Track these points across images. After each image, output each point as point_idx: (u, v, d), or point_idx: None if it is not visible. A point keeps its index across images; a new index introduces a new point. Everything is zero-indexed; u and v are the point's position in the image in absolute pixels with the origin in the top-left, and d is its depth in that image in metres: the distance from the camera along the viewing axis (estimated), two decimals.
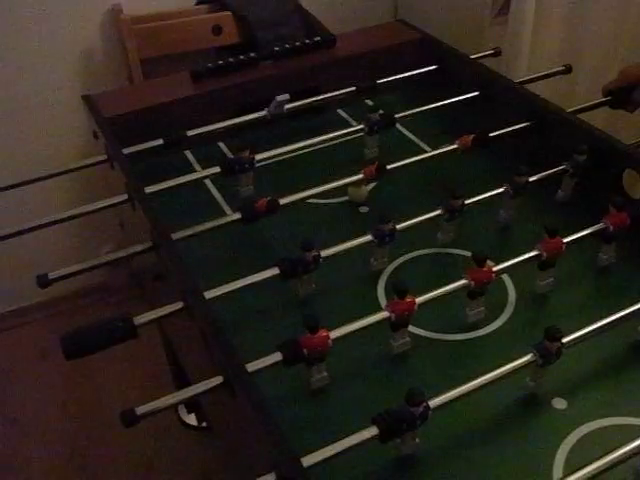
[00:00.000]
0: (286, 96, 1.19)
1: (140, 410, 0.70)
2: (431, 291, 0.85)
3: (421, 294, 0.84)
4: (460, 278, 0.86)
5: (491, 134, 1.14)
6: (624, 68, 1.26)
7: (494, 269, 0.87)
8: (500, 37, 1.72)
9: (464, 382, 0.74)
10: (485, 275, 0.86)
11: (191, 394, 0.74)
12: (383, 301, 0.94)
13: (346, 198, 1.13)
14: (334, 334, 0.79)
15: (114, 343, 0.80)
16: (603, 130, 1.09)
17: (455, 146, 1.12)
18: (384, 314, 0.82)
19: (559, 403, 0.79)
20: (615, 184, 1.04)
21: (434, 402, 0.71)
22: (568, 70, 1.36)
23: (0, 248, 1.01)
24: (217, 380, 0.73)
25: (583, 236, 0.93)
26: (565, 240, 0.91)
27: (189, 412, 1.76)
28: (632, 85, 1.21)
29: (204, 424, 1.75)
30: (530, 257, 0.90)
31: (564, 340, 0.77)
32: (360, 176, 1.07)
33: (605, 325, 0.80)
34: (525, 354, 0.76)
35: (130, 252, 0.94)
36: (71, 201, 1.44)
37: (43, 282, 0.91)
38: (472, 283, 0.86)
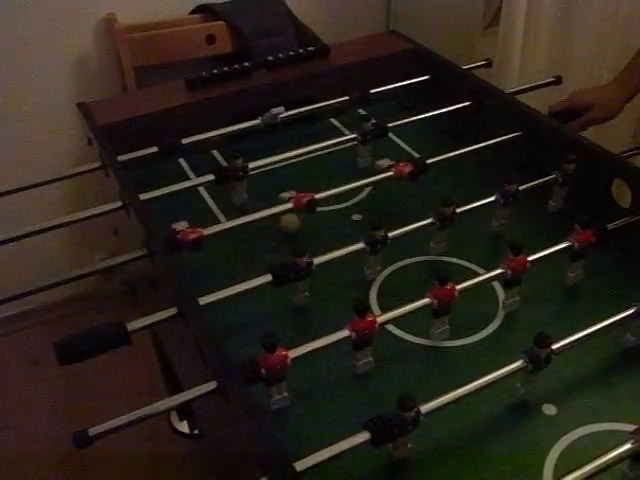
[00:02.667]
0: (281, 109, 1.20)
1: (93, 431, 0.69)
2: (394, 310, 0.85)
3: (384, 312, 0.85)
4: (423, 297, 0.86)
5: (482, 144, 1.16)
6: (573, 93, 1.28)
7: (457, 287, 0.86)
8: (491, 48, 1.74)
9: (455, 388, 0.74)
10: (448, 294, 0.86)
11: (184, 399, 0.74)
12: (376, 309, 0.95)
13: (340, 206, 1.14)
14: (293, 354, 0.78)
15: (107, 349, 0.81)
16: (592, 140, 1.10)
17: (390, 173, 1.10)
18: (345, 333, 0.81)
19: (549, 409, 0.80)
20: (605, 193, 1.06)
21: (425, 407, 0.72)
22: (558, 81, 1.38)
23: None
24: (210, 386, 0.74)
25: (550, 254, 0.93)
26: (530, 258, 0.91)
27: (181, 420, 1.76)
28: (576, 112, 1.24)
29: (196, 432, 1.75)
30: (495, 275, 0.90)
31: (554, 347, 0.78)
32: (290, 205, 1.04)
33: (594, 332, 0.81)
34: (515, 360, 0.77)
35: (125, 259, 0.94)
36: (65, 208, 1.45)
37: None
38: (435, 302, 0.85)
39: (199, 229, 0.97)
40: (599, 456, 0.67)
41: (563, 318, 0.94)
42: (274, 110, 1.20)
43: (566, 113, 1.25)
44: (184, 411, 1.70)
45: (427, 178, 1.15)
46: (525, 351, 0.77)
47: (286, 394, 0.80)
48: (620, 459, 0.67)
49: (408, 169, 1.09)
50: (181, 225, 0.98)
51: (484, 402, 0.79)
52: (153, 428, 1.76)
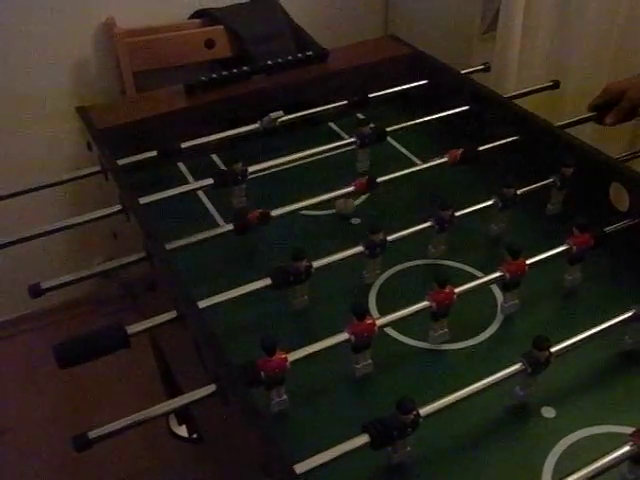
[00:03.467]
0: (280, 113, 1.21)
1: (92, 434, 0.69)
2: (393, 313, 0.85)
3: (383, 315, 0.85)
4: (422, 300, 0.86)
5: (481, 147, 1.16)
6: (607, 84, 1.29)
7: (456, 290, 0.86)
8: (489, 53, 1.75)
9: (454, 391, 0.75)
10: (447, 297, 0.86)
11: (184, 402, 0.74)
12: (375, 312, 0.95)
13: None
14: (292, 357, 0.78)
15: (107, 352, 0.81)
16: (590, 144, 1.11)
17: (445, 159, 1.14)
18: (345, 336, 0.81)
19: (548, 412, 0.80)
20: (603, 197, 1.06)
21: (424, 410, 0.72)
22: (556, 85, 1.39)
23: None
24: (210, 389, 0.74)
25: (548, 257, 0.93)
26: (528, 262, 0.91)
27: (180, 424, 1.76)
28: (615, 100, 1.24)
29: (195, 436, 1.75)
30: (493, 278, 0.90)
31: (552, 349, 0.78)
32: (351, 188, 1.08)
33: (592, 335, 0.82)
34: (514, 363, 0.78)
35: (124, 262, 0.94)
36: (65, 211, 1.45)
37: (35, 292, 0.91)
38: (434, 305, 0.86)
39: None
40: (598, 459, 0.67)
41: (561, 321, 0.94)
42: (273, 114, 1.21)
43: (605, 105, 1.25)
44: (183, 415, 1.70)
45: (425, 182, 1.15)
46: (524, 354, 0.78)
47: (285, 397, 0.80)
48: (619, 461, 0.67)
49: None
50: None
51: (483, 405, 0.79)
52: (152, 432, 1.76)
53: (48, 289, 0.91)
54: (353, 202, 1.14)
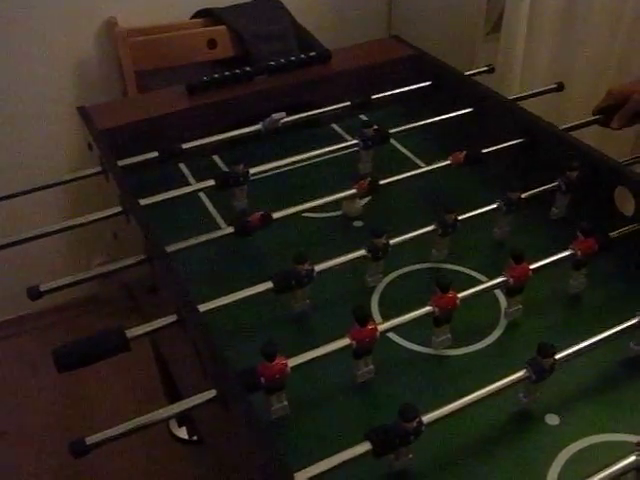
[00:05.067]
0: (282, 114, 1.20)
1: (90, 440, 0.68)
2: (395, 318, 0.84)
3: (385, 320, 0.84)
4: (424, 305, 0.85)
5: (484, 150, 1.15)
6: (611, 88, 1.28)
7: (459, 295, 0.85)
8: (492, 54, 1.74)
9: (457, 398, 0.74)
10: (449, 302, 0.85)
11: (184, 408, 0.73)
12: (377, 316, 0.94)
13: (340, 212, 1.14)
14: (293, 362, 0.77)
15: (107, 356, 0.80)
16: (595, 148, 1.10)
17: (448, 162, 1.13)
18: (346, 341, 0.80)
19: (552, 419, 0.79)
20: (608, 201, 1.05)
21: (427, 417, 0.71)
22: (560, 88, 1.38)
23: None
24: (210, 394, 0.73)
25: (552, 262, 0.92)
26: (532, 267, 0.90)
27: (180, 425, 1.76)
28: (619, 103, 1.23)
29: (195, 438, 1.74)
30: (497, 283, 0.89)
31: (557, 356, 0.77)
32: (353, 191, 1.08)
33: (597, 341, 0.81)
34: (518, 370, 0.77)
35: (124, 264, 0.93)
36: (65, 212, 1.44)
37: (34, 294, 0.90)
38: (436, 310, 0.85)
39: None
40: (603, 468, 0.66)
41: (566, 327, 0.93)
42: (275, 115, 1.20)
43: (610, 108, 1.24)
44: (183, 417, 1.69)
45: (429, 185, 1.14)
46: (528, 361, 0.77)
47: (286, 403, 0.80)
48: (625, 471, 0.66)
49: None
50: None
51: (486, 412, 0.78)
52: (151, 434, 1.75)
53: (47, 291, 0.90)
54: (360, 203, 1.13)
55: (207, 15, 1.88)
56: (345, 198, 1.09)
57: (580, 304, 0.96)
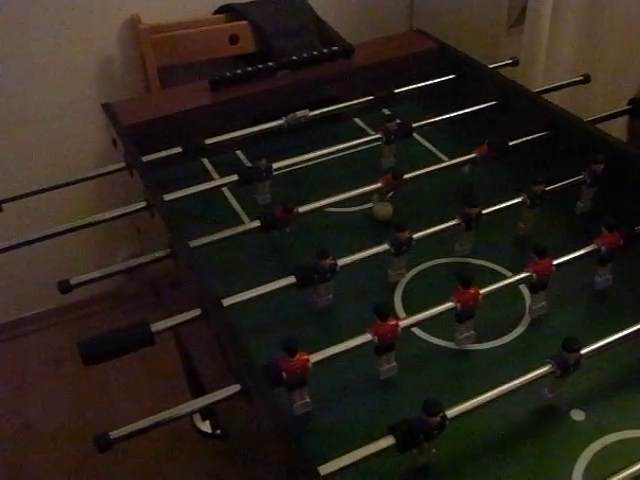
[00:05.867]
0: (306, 112, 1.20)
1: (114, 434, 0.69)
2: (417, 314, 0.83)
3: (409, 315, 0.84)
4: (447, 300, 0.84)
5: (510, 143, 1.14)
6: None
7: (481, 292, 0.85)
8: (516, 47, 1.72)
9: (481, 392, 0.73)
10: (471, 298, 0.84)
11: (208, 402, 0.74)
12: (400, 311, 0.94)
13: (364, 207, 1.13)
14: (314, 358, 0.77)
15: (131, 349, 0.81)
16: (621, 140, 1.08)
17: (473, 155, 1.12)
18: (367, 337, 0.80)
19: (577, 415, 0.79)
20: (635, 194, 1.04)
21: (451, 412, 0.71)
22: (586, 80, 1.36)
23: (17, 254, 1.01)
24: (234, 388, 0.73)
25: (576, 257, 0.91)
26: (555, 262, 0.89)
27: (204, 419, 1.77)
28: None
29: (218, 432, 1.75)
30: (520, 279, 0.88)
31: (582, 351, 0.76)
32: (378, 185, 1.07)
33: (623, 337, 0.80)
34: (543, 365, 0.76)
35: (149, 259, 0.94)
36: (90, 207, 1.46)
37: (64, 288, 0.91)
38: (459, 306, 0.84)
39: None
40: (630, 465, 0.65)
41: (591, 322, 0.92)
42: (299, 113, 1.20)
43: None
44: (207, 411, 1.70)
45: (452, 178, 1.14)
46: (553, 356, 0.76)
47: (308, 399, 0.80)
48: None
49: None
50: None
51: (510, 407, 0.77)
52: (175, 427, 1.76)
53: (77, 284, 0.91)
54: (391, 207, 1.11)
55: (229, 11, 1.88)
56: (370, 194, 1.08)
57: (606, 300, 0.95)
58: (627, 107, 1.23)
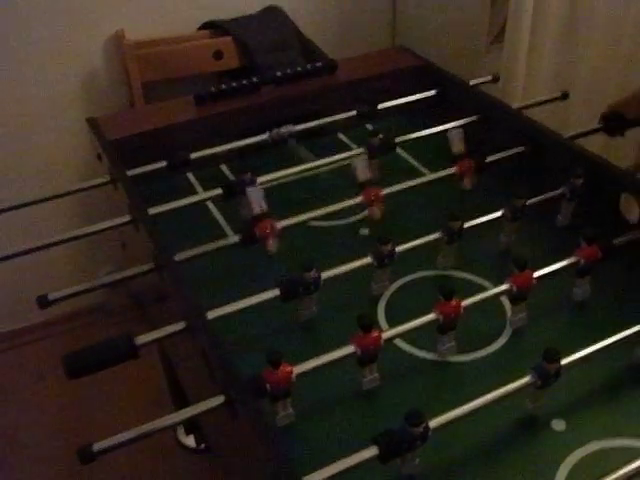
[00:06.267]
0: (290, 127, 1.23)
1: (97, 447, 0.69)
2: (400, 325, 0.84)
3: (391, 327, 0.85)
4: (429, 312, 0.86)
5: (489, 158, 1.16)
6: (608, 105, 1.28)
7: (462, 303, 0.86)
8: (497, 63, 1.75)
9: (463, 403, 0.74)
10: (453, 309, 0.85)
11: (192, 414, 0.74)
12: (383, 323, 0.95)
13: (348, 221, 1.14)
14: (298, 369, 0.77)
15: (116, 363, 0.81)
16: (599, 155, 1.11)
17: (453, 170, 1.14)
18: (350, 348, 0.80)
19: (558, 425, 0.80)
20: (612, 208, 1.06)
21: (434, 423, 0.72)
22: (565, 96, 1.38)
23: (0, 268, 1.01)
24: (218, 400, 0.74)
25: (556, 270, 0.92)
26: (535, 274, 0.90)
27: (187, 434, 1.76)
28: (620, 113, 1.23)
29: (203, 446, 1.74)
30: (500, 291, 0.90)
31: (563, 362, 0.78)
32: (359, 199, 1.08)
33: (603, 348, 0.81)
34: (524, 376, 0.77)
35: (133, 273, 0.94)
36: (74, 221, 1.46)
37: (43, 303, 0.91)
38: (441, 317, 0.85)
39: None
40: (610, 473, 0.66)
41: (571, 334, 0.94)
42: (283, 129, 1.21)
43: (613, 115, 1.24)
44: (191, 425, 1.69)
45: (434, 193, 1.15)
46: (534, 366, 0.77)
47: (291, 411, 0.80)
48: (632, 476, 0.67)
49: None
50: None
51: (492, 418, 0.78)
52: (159, 442, 1.75)
53: (56, 300, 0.91)
54: (379, 210, 1.12)
55: (213, 27, 1.90)
56: (349, 207, 1.09)
57: (585, 311, 0.97)
58: (599, 126, 1.25)
